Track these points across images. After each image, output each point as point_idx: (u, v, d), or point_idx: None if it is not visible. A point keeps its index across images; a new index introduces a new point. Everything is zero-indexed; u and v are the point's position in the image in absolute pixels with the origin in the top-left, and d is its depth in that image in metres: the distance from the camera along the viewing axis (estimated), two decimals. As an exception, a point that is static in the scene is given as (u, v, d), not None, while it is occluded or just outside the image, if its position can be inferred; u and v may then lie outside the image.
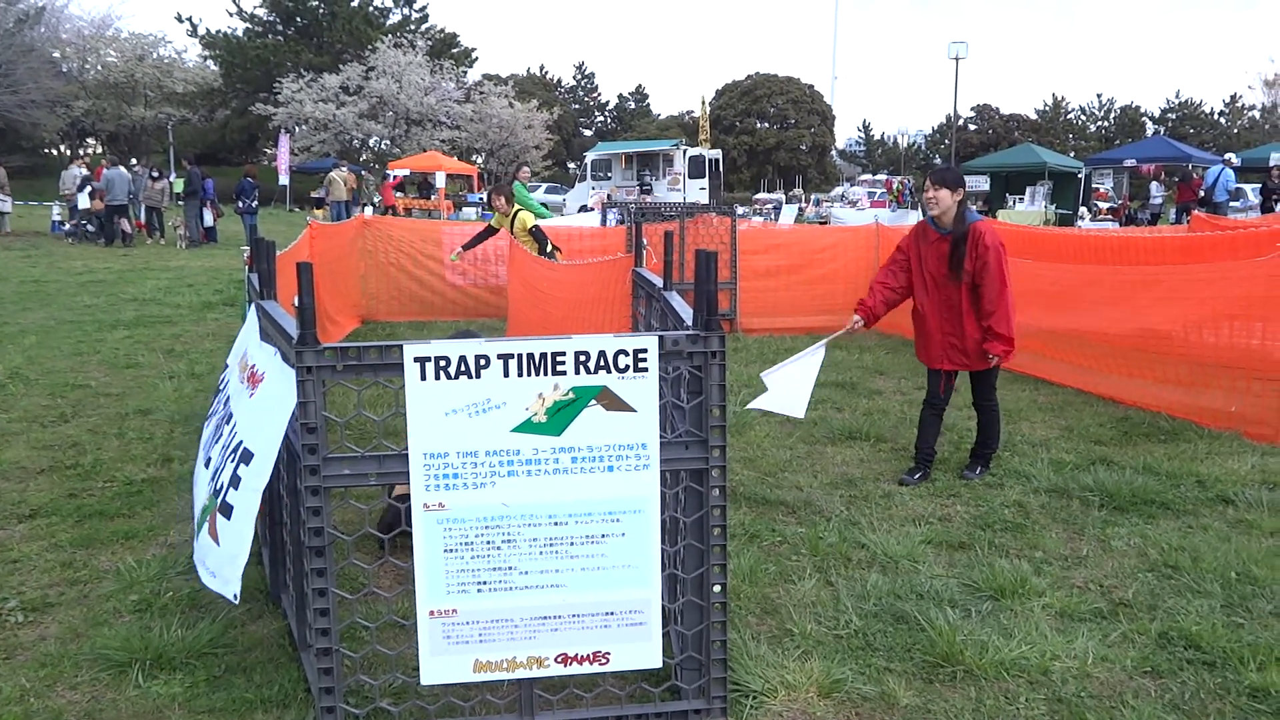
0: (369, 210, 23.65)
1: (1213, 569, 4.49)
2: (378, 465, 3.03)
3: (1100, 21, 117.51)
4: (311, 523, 3.02)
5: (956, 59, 39.41)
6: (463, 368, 2.96)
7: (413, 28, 53.35)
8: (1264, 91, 64.22)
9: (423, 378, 2.94)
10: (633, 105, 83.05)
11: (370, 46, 47.64)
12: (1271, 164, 26.41)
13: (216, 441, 3.72)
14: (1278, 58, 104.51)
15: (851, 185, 46.41)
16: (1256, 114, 66.92)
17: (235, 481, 3.25)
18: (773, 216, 30.21)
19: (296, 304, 3.02)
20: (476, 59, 58.93)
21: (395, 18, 54.53)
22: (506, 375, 2.98)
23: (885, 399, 8.12)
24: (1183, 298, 7.67)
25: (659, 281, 4.66)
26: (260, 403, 3.34)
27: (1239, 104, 69.64)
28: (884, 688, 3.47)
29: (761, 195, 44.69)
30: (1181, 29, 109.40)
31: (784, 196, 42.67)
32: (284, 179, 40.77)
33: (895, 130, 77.86)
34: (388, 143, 48.25)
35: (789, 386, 5.45)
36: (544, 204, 20.03)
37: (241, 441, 3.33)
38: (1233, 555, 4.63)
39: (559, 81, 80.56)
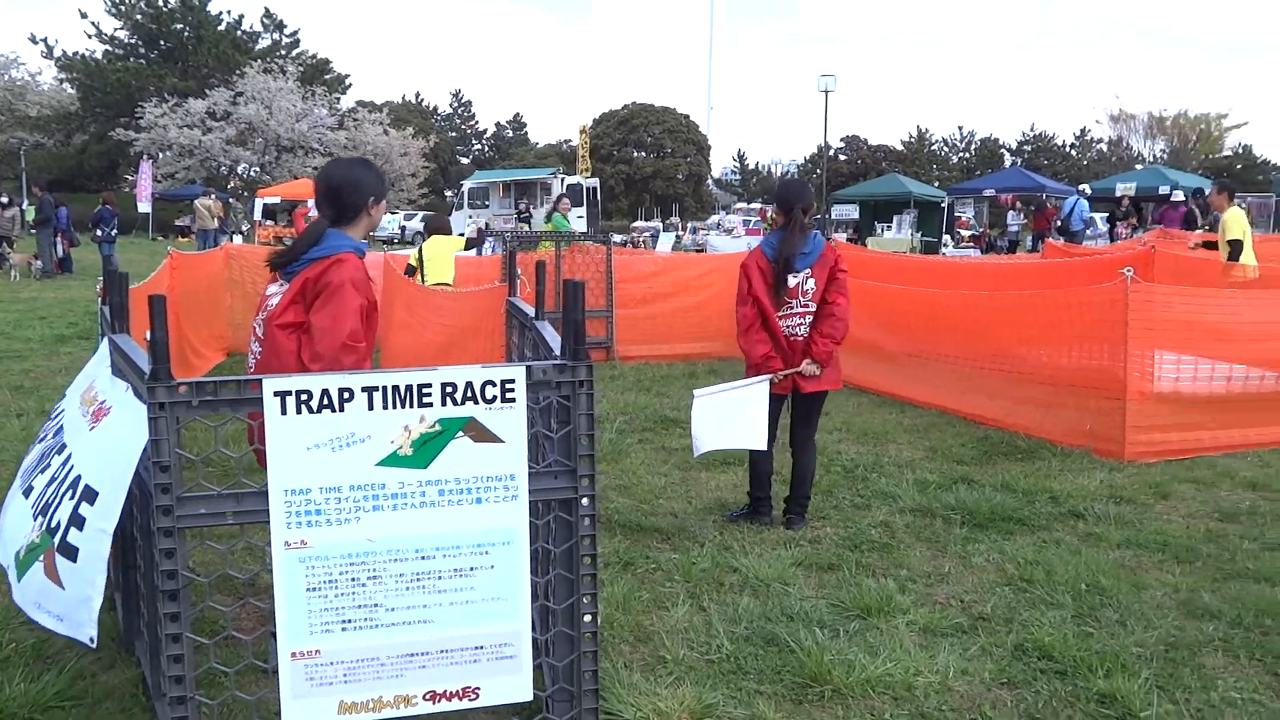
0: (237, 239, 22.99)
1: (1064, 581, 4.70)
2: (236, 504, 2.94)
3: (962, 58, 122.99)
4: (165, 565, 2.91)
5: (826, 92, 40.59)
6: (325, 401, 2.90)
7: (283, 53, 52.34)
8: (1110, 126, 68.00)
9: (283, 412, 2.87)
10: (510, 133, 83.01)
11: (238, 71, 46.49)
12: (1119, 193, 27.97)
13: (42, 471, 3.55)
14: (1122, 94, 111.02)
15: (727, 213, 47.27)
16: (1104, 147, 70.76)
17: (79, 521, 3.10)
18: (650, 244, 30.54)
19: (149, 337, 2.92)
20: (350, 85, 58.13)
21: (265, 42, 53.42)
22: (371, 408, 2.93)
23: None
24: (1037, 322, 8.04)
25: (531, 311, 4.66)
26: (103, 438, 3.21)
27: (1088, 137, 73.58)
28: (754, 710, 3.52)
29: (639, 223, 45.13)
30: (1036, 66, 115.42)
31: (661, 224, 43.17)
32: (144, 206, 39.28)
33: (769, 160, 79.70)
34: (257, 170, 47.06)
35: (735, 420, 5.45)
36: (419, 233, 19.82)
37: (80, 477, 3.19)
38: (1083, 567, 4.86)
39: (435, 109, 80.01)
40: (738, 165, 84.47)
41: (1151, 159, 61.72)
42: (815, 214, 5.78)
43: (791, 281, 5.54)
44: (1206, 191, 25.54)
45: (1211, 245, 11.37)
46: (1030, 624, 4.24)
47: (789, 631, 4.09)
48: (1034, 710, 3.57)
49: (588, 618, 3.27)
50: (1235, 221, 10.15)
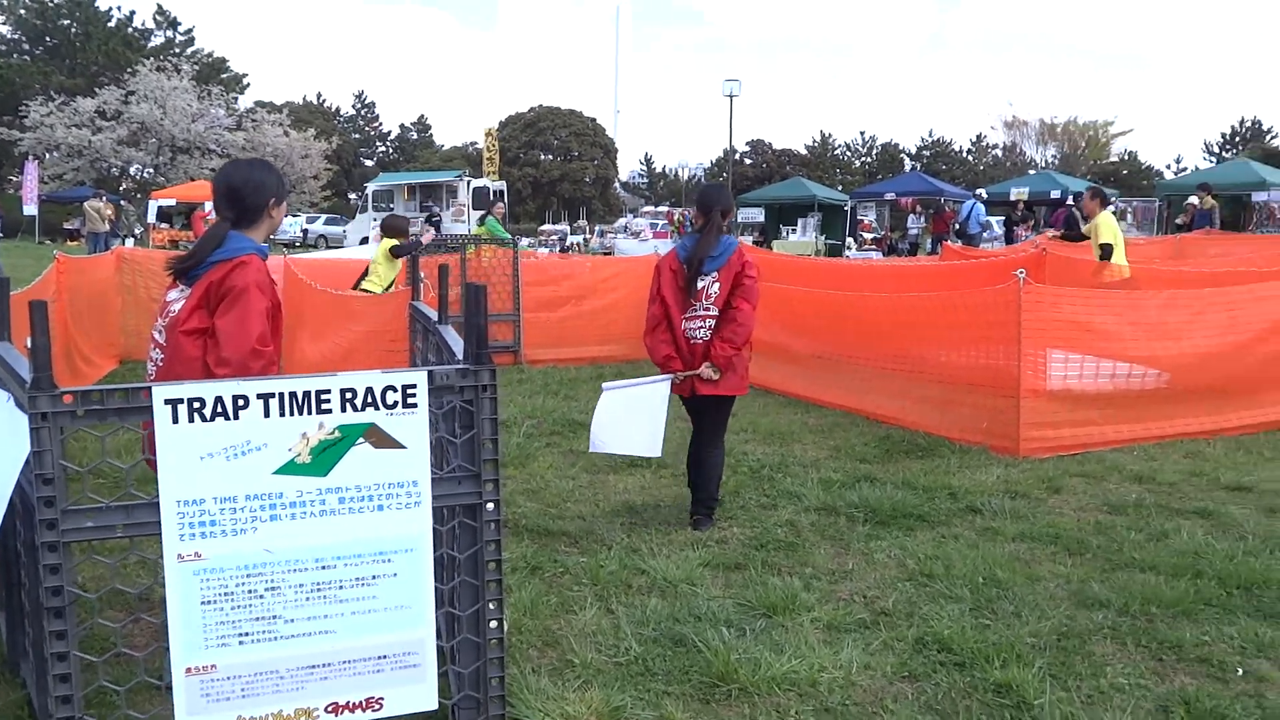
0: (129, 242, 22.27)
1: (963, 575, 4.83)
2: (125, 516, 2.85)
3: (863, 65, 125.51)
4: (49, 581, 2.80)
5: (731, 96, 41.04)
6: (219, 409, 2.83)
7: (177, 51, 50.88)
8: (1004, 132, 70.08)
9: (174, 420, 2.80)
10: (415, 135, 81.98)
11: (130, 69, 45.01)
12: (1013, 198, 28.84)
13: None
14: (1015, 102, 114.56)
15: (634, 216, 47.40)
16: (999, 152, 72.88)
17: (-44, 541, 2.97)
18: (558, 247, 30.47)
19: (30, 344, 2.81)
20: (248, 85, 56.80)
21: (158, 40, 51.88)
22: (267, 415, 2.87)
23: (667, 426, 8.28)
24: (936, 323, 8.24)
25: (434, 315, 4.61)
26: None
27: (984, 143, 75.70)
28: (662, 711, 3.54)
29: (547, 226, 44.99)
30: (933, 73, 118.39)
31: (569, 228, 43.10)
32: (30, 208, 37.76)
33: (676, 163, 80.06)
34: (151, 171, 45.63)
35: (634, 424, 5.48)
36: (322, 236, 19.40)
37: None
38: (980, 561, 4.99)
39: (338, 110, 78.56)
40: (645, 169, 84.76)
41: (1044, 164, 63.74)
42: (731, 217, 5.82)
43: (699, 284, 5.58)
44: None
45: (1070, 238, 11.89)
46: (930, 617, 4.34)
47: (696, 632, 4.12)
48: (934, 702, 3.65)
49: (493, 623, 3.25)
50: (1106, 225, 10.63)
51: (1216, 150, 67.99)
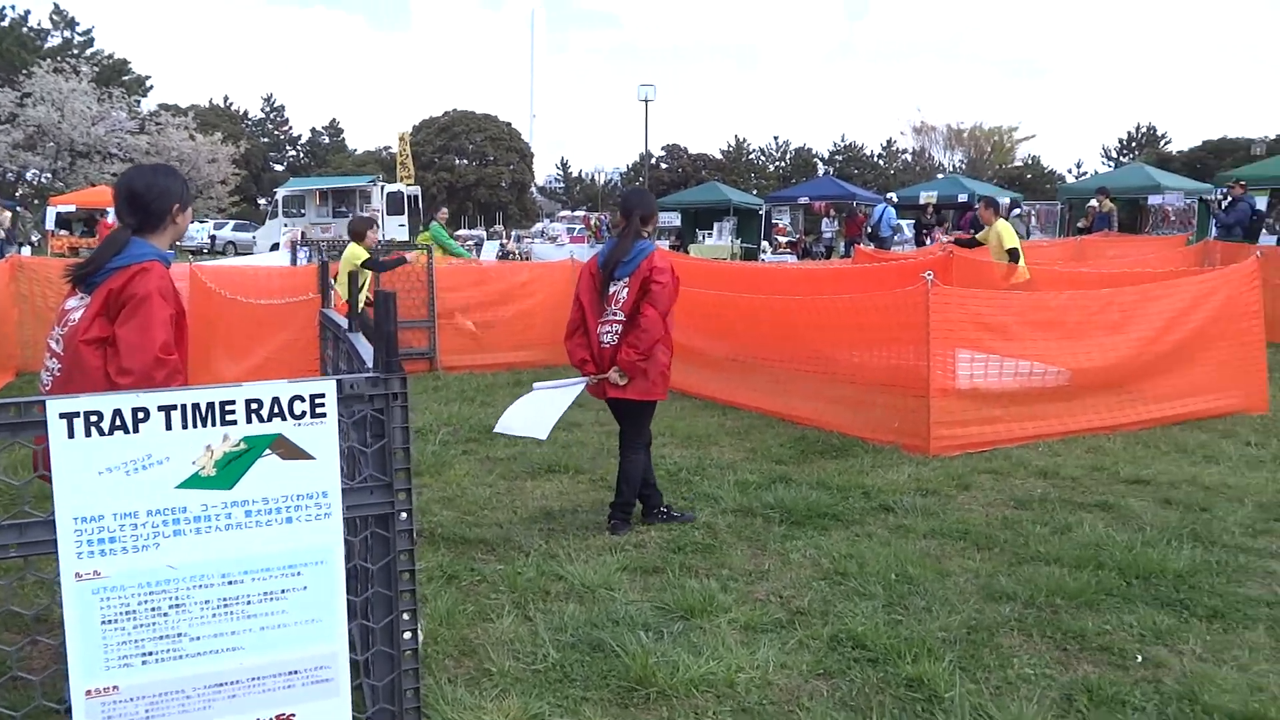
0: (26, 250, 21.50)
1: (876, 572, 4.91)
2: (19, 534, 2.75)
3: (776, 71, 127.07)
4: (-62, 605, 2.68)
5: (646, 101, 41.20)
6: (118, 422, 2.74)
7: (75, 52, 49.27)
8: (913, 137, 71.70)
9: (70, 435, 2.70)
10: (327, 140, 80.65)
11: (25, 71, 43.45)
12: (922, 201, 29.48)
13: None
14: (924, 107, 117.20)
15: (551, 221, 47.30)
16: (909, 157, 74.45)
17: None
18: (474, 253, 30.21)
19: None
20: (152, 88, 55.28)
21: (55, 40, 50.19)
22: (169, 428, 2.79)
23: (584, 431, 8.30)
24: (848, 325, 8.39)
25: (345, 322, 4.54)
26: None
27: (894, 148, 77.25)
28: (580, 717, 3.54)
29: (462, 232, 44.55)
30: (845, 79, 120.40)
31: (485, 233, 42.80)
32: (-80, 216, 36.21)
33: (593, 168, 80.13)
34: (49, 176, 44.10)
35: (535, 412, 5.53)
36: (231, 242, 18.95)
37: None
38: (892, 558, 5.09)
39: (245, 114, 76.92)
40: (561, 173, 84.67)
41: (951, 169, 65.31)
42: (652, 224, 5.82)
43: (611, 289, 5.61)
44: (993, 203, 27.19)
45: (965, 243, 12.32)
46: (844, 615, 4.41)
47: (614, 636, 4.13)
48: (848, 698, 3.71)
49: (408, 635, 3.21)
50: (1008, 231, 11.12)
51: (1114, 155, 70.36)
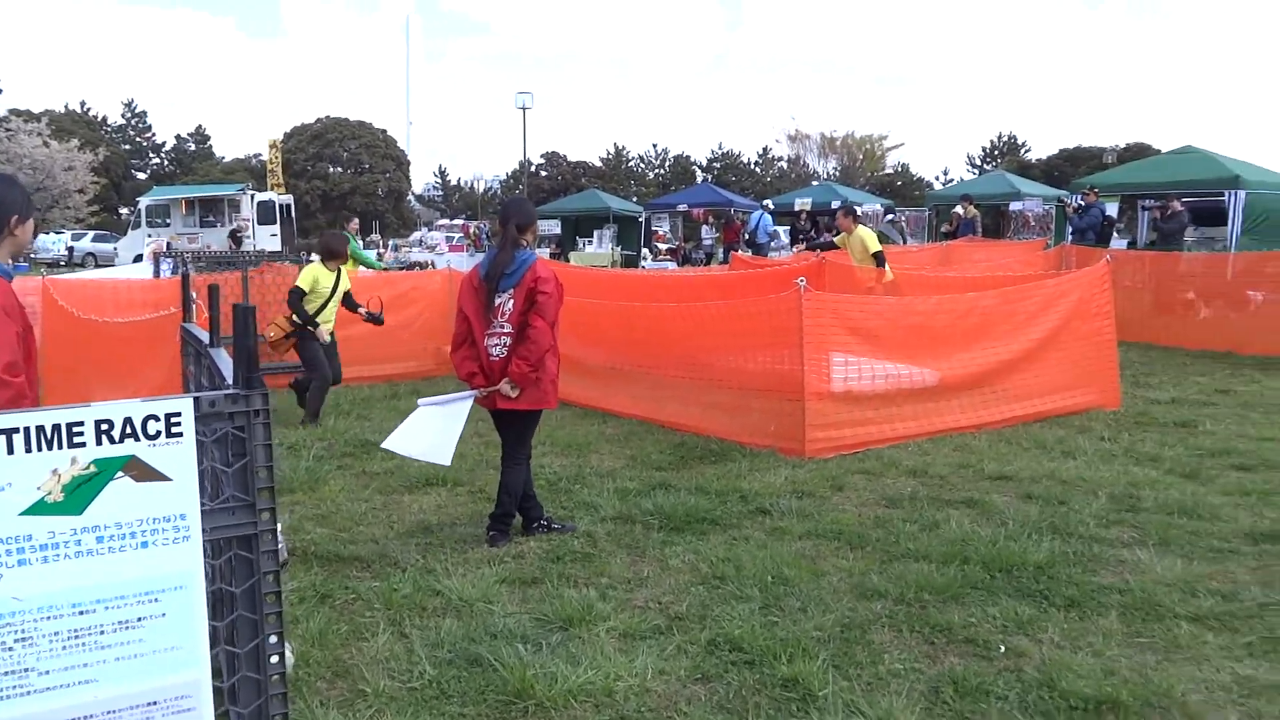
0: None
1: (753, 575, 4.99)
2: None
3: (654, 78, 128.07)
4: None
5: (524, 109, 41.09)
6: (-45, 448, 2.60)
7: (-86, 54, 46.44)
8: (788, 145, 73.16)
9: (-99, 463, 2.55)
10: (193, 147, 77.94)
11: None
12: (797, 208, 30.11)
13: None
14: (798, 116, 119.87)
15: (430, 230, 46.71)
16: (784, 164, 75.96)
17: None
18: (400, 262, 29.65)
19: None
20: (1, 91, 52.46)
21: (-110, 42, 47.19)
22: (11, 452, 2.65)
23: (463, 442, 8.17)
24: (724, 330, 8.51)
25: (206, 337, 4.40)
26: None
27: (770, 155, 78.72)
28: (458, 734, 3.49)
29: (337, 242, 43.62)
30: (721, 88, 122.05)
31: (360, 242, 41.99)
32: None
33: (471, 175, 79.52)
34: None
35: (430, 432, 5.44)
36: (90, 254, 18.15)
37: None
38: (769, 561, 5.18)
39: (104, 119, 73.76)
40: (440, 181, 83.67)
41: (825, 176, 66.90)
42: (532, 233, 5.79)
43: (496, 301, 5.58)
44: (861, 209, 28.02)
45: (824, 246, 12.78)
46: (722, 619, 4.47)
47: (492, 650, 4.09)
48: (726, 701, 3.76)
49: (275, 658, 3.12)
50: (870, 236, 11.64)
51: (978, 163, 73.13)
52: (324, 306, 9.09)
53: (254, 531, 3.07)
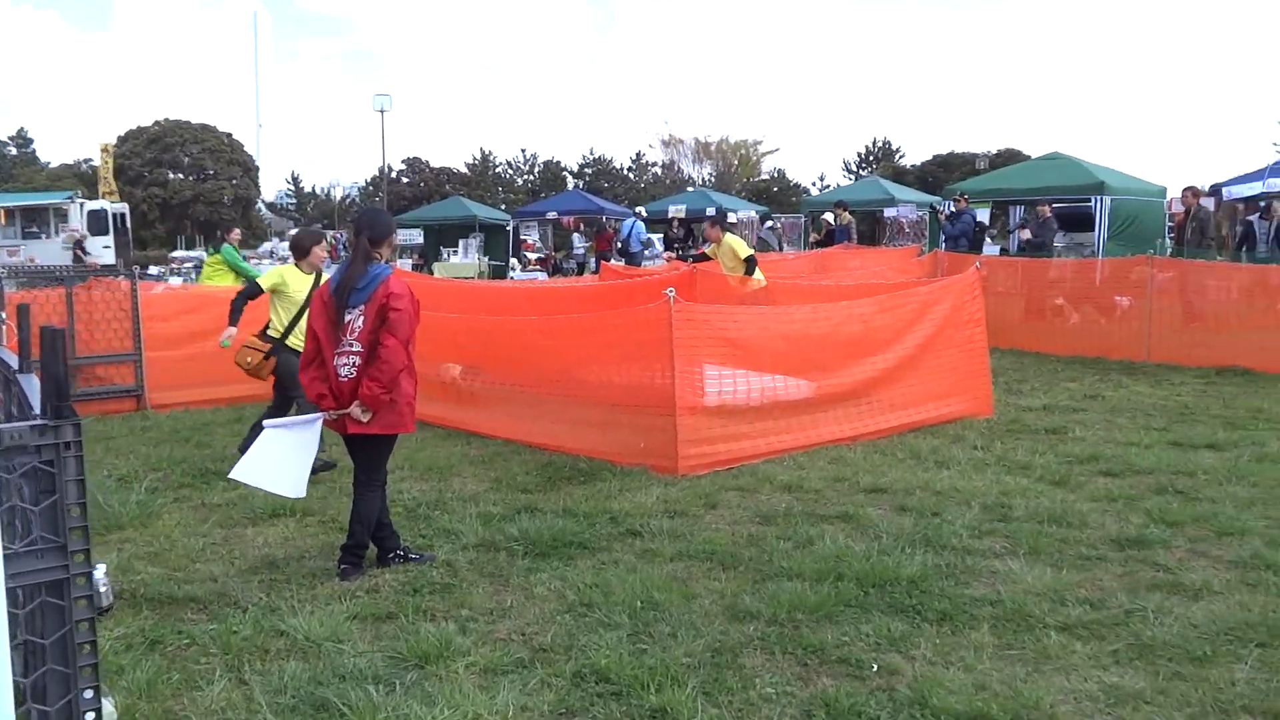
0: None
1: (622, 601, 4.98)
2: None
3: (523, 81, 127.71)
4: None
5: (382, 111, 40.49)
6: None
7: None
8: (662, 150, 73.91)
9: None
10: (14, 151, 74.26)
11: None
12: (670, 215, 30.40)
13: None
14: (671, 120, 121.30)
15: (282, 240, 45.56)
16: (658, 170, 76.71)
17: None
18: (193, 276, 28.63)
19: None
20: None
21: None
22: None
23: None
24: (593, 344, 8.52)
25: (16, 361, 4.17)
26: None
27: (643, 161, 79.38)
28: (301, 787, 3.38)
29: (179, 253, 42.27)
30: (592, 91, 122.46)
31: (206, 253, 40.68)
32: None
33: (327, 182, 77.80)
34: None
35: (280, 460, 5.27)
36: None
37: None
38: (639, 585, 5.18)
39: (-91, 122, 69.68)
40: (293, 188, 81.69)
41: (700, 182, 67.82)
42: (388, 246, 5.69)
43: (347, 318, 5.46)
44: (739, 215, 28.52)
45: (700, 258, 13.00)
46: (589, 648, 4.44)
47: (339, 693, 3.97)
48: (591, 736, 3.73)
49: (90, 715, 2.96)
50: (740, 243, 11.89)
51: (854, 168, 75.21)
52: (300, 314, 7.80)
53: (65, 576, 2.91)
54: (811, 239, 25.65)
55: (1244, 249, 17.33)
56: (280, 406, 7.84)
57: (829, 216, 23.04)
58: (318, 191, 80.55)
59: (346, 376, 5.46)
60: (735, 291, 11.33)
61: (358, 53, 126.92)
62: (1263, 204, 19.20)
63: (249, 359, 7.91)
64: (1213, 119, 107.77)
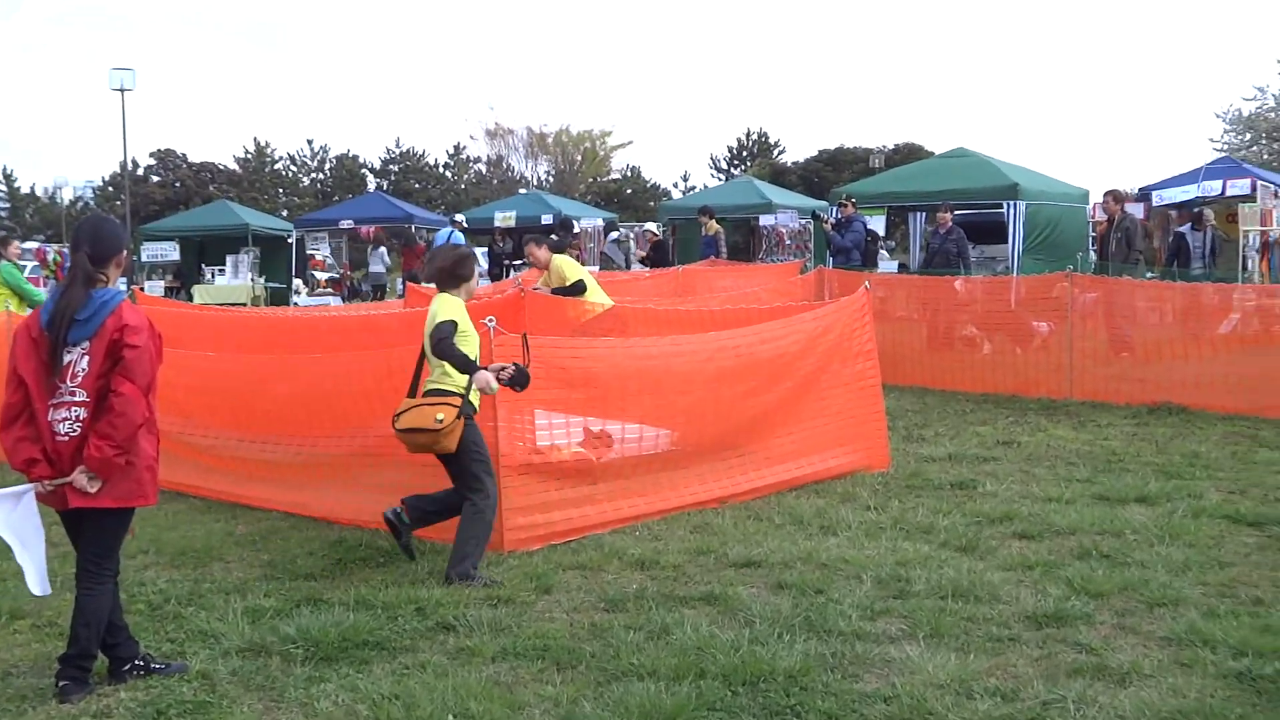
0: None
1: (429, 715, 4.95)
2: None
3: (307, 54, 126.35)
4: None
5: (122, 90, 39.45)
6: None
7: None
8: (488, 143, 74.12)
9: None
10: None
11: None
12: (498, 223, 30.46)
13: None
14: (497, 106, 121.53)
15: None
16: (482, 167, 76.85)
17: None
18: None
19: None
20: None
21: None
22: None
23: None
24: (395, 389, 8.33)
25: None
26: None
27: (464, 155, 79.38)
28: None
29: None
30: (400, 68, 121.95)
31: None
32: None
33: (52, 182, 75.09)
34: None
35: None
36: None
37: None
38: (451, 693, 5.16)
39: None
40: (5, 190, 78.72)
41: (535, 182, 68.24)
42: (116, 265, 5.53)
43: (65, 358, 5.28)
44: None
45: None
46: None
47: None
48: None
49: None
50: (570, 266, 12.25)
51: (724, 166, 76.87)
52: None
53: None
54: (637, 255, 26.05)
55: (1174, 264, 18.34)
56: None
57: (652, 227, 23.53)
58: (39, 193, 77.78)
59: (66, 434, 5.27)
60: (575, 320, 11.40)
61: (95, 13, 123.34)
62: (1195, 211, 20.41)
63: (442, 416, 6.99)
64: (1141, 113, 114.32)
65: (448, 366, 7.17)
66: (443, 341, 7.05)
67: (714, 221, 23.40)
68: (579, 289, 11.87)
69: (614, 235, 29.17)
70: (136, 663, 5.56)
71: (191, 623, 6.26)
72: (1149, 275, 17.04)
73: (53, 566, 7.07)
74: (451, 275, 7.48)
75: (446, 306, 7.32)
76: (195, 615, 6.38)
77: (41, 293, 17.31)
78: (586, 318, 11.54)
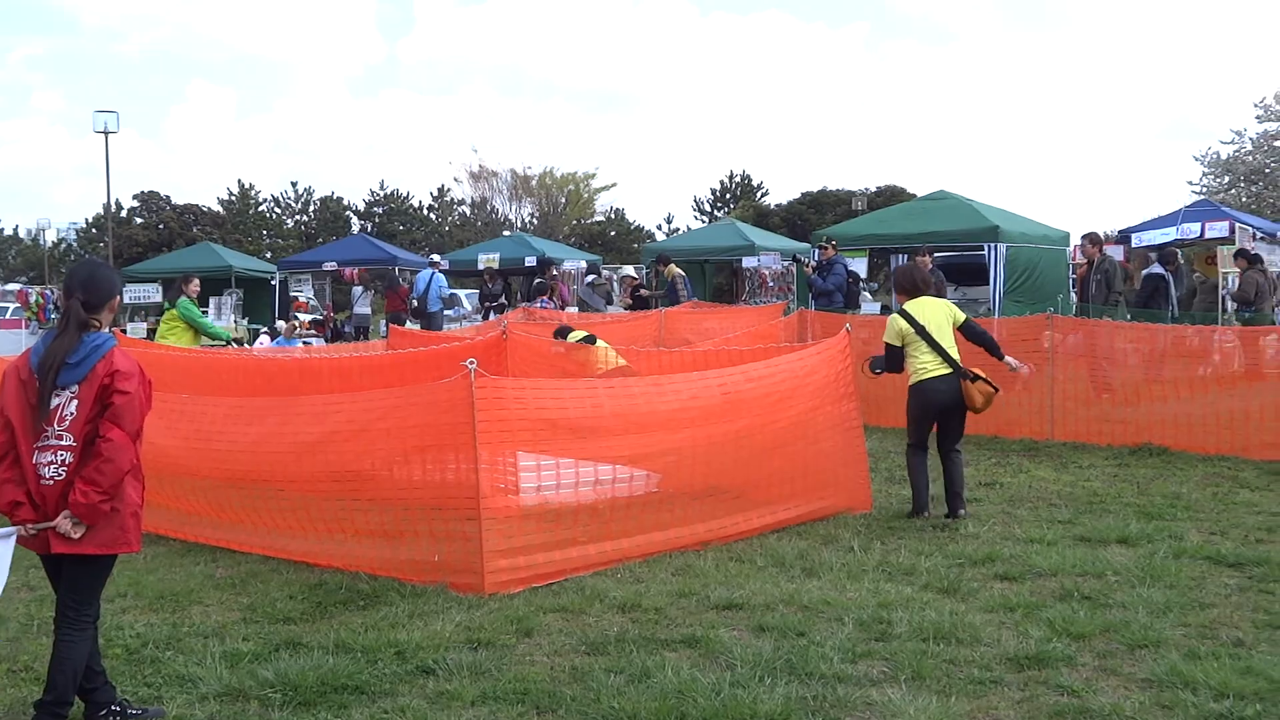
0: None
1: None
2: None
3: (295, 97, 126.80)
4: None
5: (105, 132, 39.51)
6: None
7: None
8: (471, 185, 74.23)
9: None
10: None
11: None
12: (481, 265, 30.45)
13: None
14: (481, 148, 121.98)
15: (-29, 298, 43.68)
16: (467, 209, 76.99)
17: None
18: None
19: None
20: None
21: None
22: None
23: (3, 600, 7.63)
24: (375, 430, 8.35)
25: None
26: None
27: (448, 198, 79.53)
28: None
29: None
30: (385, 111, 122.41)
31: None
32: None
33: (35, 223, 75.02)
34: None
35: None
36: None
37: None
38: (428, 738, 5.11)
39: None
40: (-13, 231, 78.71)
41: (520, 224, 68.36)
42: (109, 310, 5.53)
43: (54, 402, 5.27)
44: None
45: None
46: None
47: None
48: None
49: None
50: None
51: (708, 208, 77.16)
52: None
53: None
54: (622, 301, 26.21)
55: (1149, 305, 18.34)
56: None
57: (630, 271, 23.64)
58: (22, 235, 77.70)
59: (52, 478, 5.26)
60: (556, 362, 11.39)
61: (76, 55, 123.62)
62: (1169, 251, 20.45)
63: (980, 399, 9.85)
64: (1121, 156, 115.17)
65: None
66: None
67: (672, 266, 23.55)
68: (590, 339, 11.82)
69: (590, 278, 29.11)
70: (113, 708, 5.51)
71: (169, 667, 6.20)
72: (1129, 317, 17.12)
73: (31, 610, 7.10)
74: (922, 285, 10.31)
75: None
76: (173, 659, 6.33)
77: (219, 327, 17.55)
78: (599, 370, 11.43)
